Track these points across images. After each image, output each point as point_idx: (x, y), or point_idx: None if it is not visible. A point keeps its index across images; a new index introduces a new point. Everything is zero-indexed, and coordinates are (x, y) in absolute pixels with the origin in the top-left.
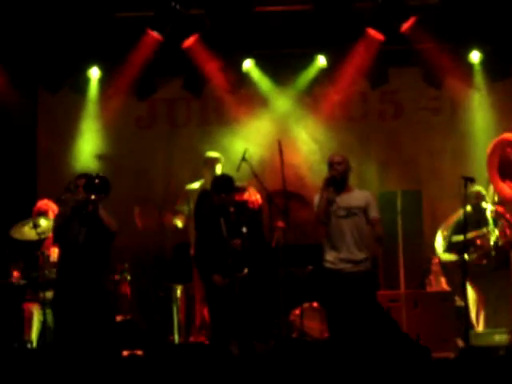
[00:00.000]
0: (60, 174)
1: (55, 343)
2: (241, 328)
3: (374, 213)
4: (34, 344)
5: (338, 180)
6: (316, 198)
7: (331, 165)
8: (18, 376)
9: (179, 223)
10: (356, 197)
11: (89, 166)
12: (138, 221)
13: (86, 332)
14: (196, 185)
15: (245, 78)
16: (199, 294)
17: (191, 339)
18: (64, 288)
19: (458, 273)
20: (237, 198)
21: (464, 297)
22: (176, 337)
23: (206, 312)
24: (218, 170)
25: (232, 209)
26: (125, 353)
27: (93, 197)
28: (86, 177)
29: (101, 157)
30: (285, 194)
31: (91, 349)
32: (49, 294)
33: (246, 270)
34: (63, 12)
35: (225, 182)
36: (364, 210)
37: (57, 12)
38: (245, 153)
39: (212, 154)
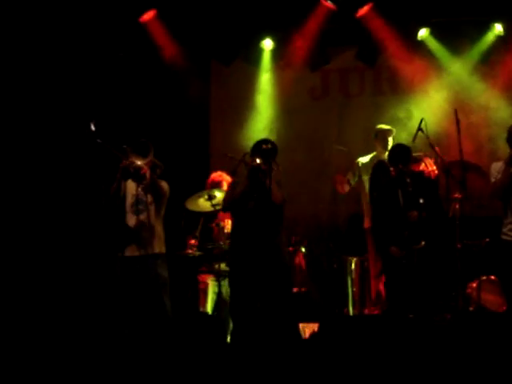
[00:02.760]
0: (233, 146)
1: (232, 314)
2: (418, 301)
3: None
4: (210, 315)
5: None
6: (493, 169)
7: None
8: (196, 345)
9: (346, 188)
10: None
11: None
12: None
13: (263, 302)
14: (367, 158)
15: (420, 47)
16: (374, 267)
17: (366, 312)
18: (239, 258)
19: None
20: (413, 168)
21: None
22: (350, 309)
23: (381, 286)
24: (390, 142)
25: (409, 180)
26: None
27: (258, 160)
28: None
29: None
30: (462, 165)
31: (268, 320)
32: (223, 266)
33: (423, 242)
34: None
35: (402, 152)
36: None
37: None
38: (421, 123)
39: (384, 126)
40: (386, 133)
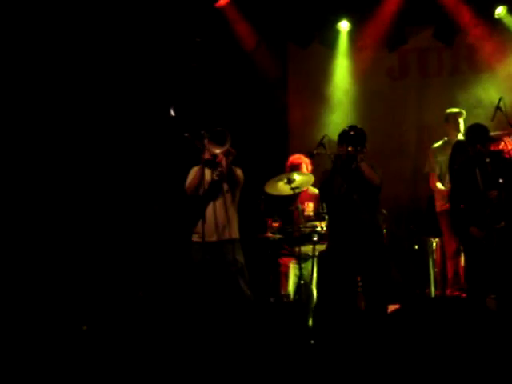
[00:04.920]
0: (311, 129)
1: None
2: (499, 282)
3: None
4: (291, 298)
5: None
6: None
7: None
8: (273, 329)
9: (439, 185)
10: None
11: (341, 121)
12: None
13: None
14: (439, 143)
15: (497, 25)
16: (450, 247)
17: (447, 292)
18: (336, 242)
19: None
20: (492, 148)
21: None
22: (432, 290)
23: (458, 266)
24: (462, 124)
25: (488, 159)
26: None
27: (349, 148)
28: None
29: None
30: None
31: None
32: (304, 249)
33: (503, 223)
34: None
35: (480, 131)
36: None
37: None
38: (499, 101)
39: (453, 109)
40: (457, 115)
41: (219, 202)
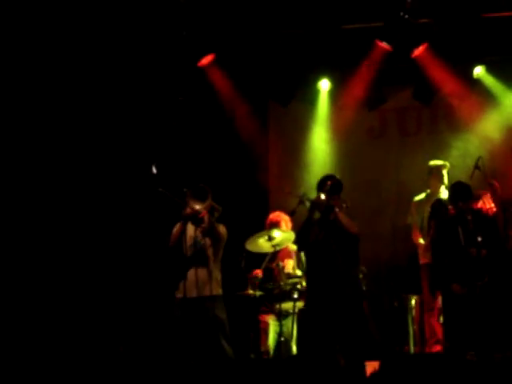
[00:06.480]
0: (291, 186)
1: (299, 352)
2: (480, 337)
3: None
4: (271, 355)
5: None
6: None
7: None
8: None
9: (421, 240)
10: None
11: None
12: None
13: (337, 339)
14: (422, 195)
15: (476, 85)
16: (427, 302)
17: (427, 349)
18: (315, 294)
19: None
20: (472, 206)
21: None
22: (411, 347)
23: (433, 321)
24: (445, 177)
25: (470, 217)
26: None
27: (323, 196)
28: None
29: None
30: None
31: (337, 357)
32: (285, 306)
33: (486, 278)
34: (283, 26)
35: (463, 190)
36: None
37: (280, 26)
38: (478, 160)
39: (436, 161)
40: (441, 167)
41: (201, 258)
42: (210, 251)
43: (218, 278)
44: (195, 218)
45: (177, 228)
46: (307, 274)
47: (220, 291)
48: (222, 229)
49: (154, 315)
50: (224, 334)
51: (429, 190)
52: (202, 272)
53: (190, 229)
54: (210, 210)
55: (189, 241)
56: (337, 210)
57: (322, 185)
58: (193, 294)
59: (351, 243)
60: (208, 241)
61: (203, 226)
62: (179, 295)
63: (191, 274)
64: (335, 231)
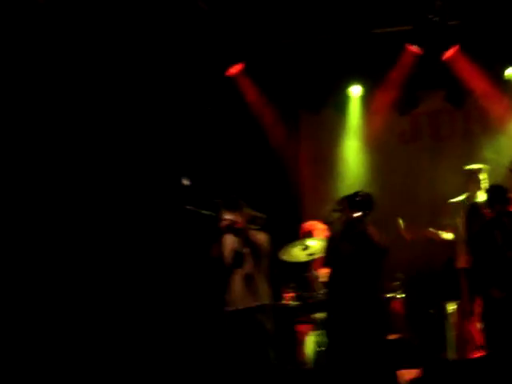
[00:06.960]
0: (324, 194)
1: (329, 364)
2: None
3: None
4: (309, 365)
5: None
6: None
7: None
8: None
9: (448, 235)
10: None
11: (354, 185)
12: (405, 234)
13: (359, 351)
14: (460, 198)
15: (507, 86)
16: (468, 307)
17: (466, 356)
18: (336, 308)
19: None
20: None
21: None
22: (449, 353)
23: (473, 327)
24: (483, 180)
25: (507, 220)
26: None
27: (355, 214)
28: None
29: None
30: None
31: (365, 368)
32: (320, 315)
33: None
34: (313, 32)
35: (500, 193)
36: None
37: (309, 32)
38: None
39: (473, 166)
40: (477, 171)
41: (243, 269)
42: (250, 260)
43: (264, 287)
44: (233, 229)
45: (224, 244)
46: (329, 287)
47: (267, 300)
48: (261, 237)
49: (200, 328)
50: (271, 344)
51: (466, 194)
52: (247, 282)
53: (230, 241)
54: (251, 219)
55: (230, 252)
56: (366, 224)
57: (351, 201)
58: (240, 305)
59: (380, 257)
60: (248, 250)
61: (241, 235)
62: (226, 307)
63: (235, 285)
64: (364, 245)
